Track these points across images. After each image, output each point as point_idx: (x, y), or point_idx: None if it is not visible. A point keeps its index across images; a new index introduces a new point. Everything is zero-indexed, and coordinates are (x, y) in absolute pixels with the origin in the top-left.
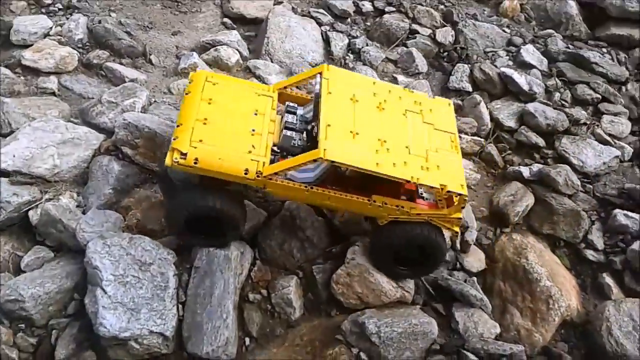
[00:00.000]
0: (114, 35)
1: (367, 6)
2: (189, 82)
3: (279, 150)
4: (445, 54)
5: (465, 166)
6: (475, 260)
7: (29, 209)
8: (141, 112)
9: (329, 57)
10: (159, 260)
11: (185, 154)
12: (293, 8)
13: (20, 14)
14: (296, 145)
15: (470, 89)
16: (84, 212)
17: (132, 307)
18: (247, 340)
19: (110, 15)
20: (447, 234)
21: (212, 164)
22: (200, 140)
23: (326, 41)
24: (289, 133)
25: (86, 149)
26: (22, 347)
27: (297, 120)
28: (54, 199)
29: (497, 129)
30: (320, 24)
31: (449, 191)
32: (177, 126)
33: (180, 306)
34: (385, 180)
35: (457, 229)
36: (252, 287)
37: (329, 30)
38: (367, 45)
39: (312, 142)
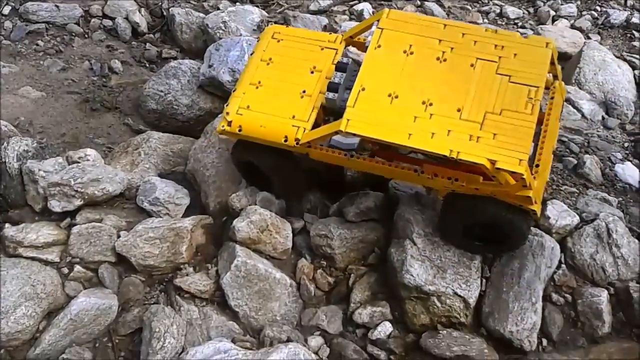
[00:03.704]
0: None
1: None
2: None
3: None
4: None
5: None
6: None
7: None
8: None
9: None
10: None
11: (231, 122)
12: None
13: None
14: (344, 107)
15: None
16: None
17: (439, 265)
18: (545, 341)
19: None
20: None
21: (255, 131)
22: (248, 107)
23: (639, 85)
24: (330, 95)
25: None
26: (320, 284)
27: (346, 78)
28: None
29: None
30: (634, 68)
31: (498, 168)
32: (233, 91)
33: (483, 281)
34: None
35: (536, 207)
36: (555, 289)
37: None
38: None
39: None
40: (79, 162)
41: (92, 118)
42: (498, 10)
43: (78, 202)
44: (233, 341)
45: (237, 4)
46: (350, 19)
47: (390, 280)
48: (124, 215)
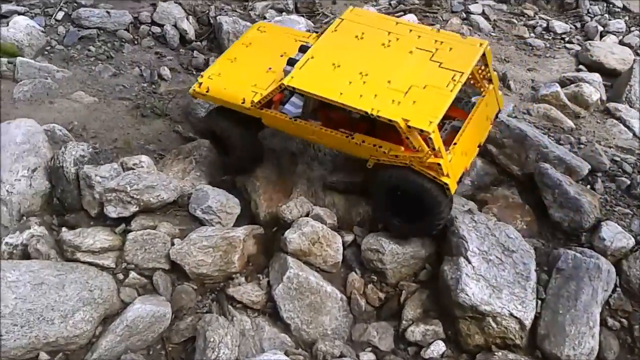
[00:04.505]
0: None
1: None
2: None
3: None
4: None
5: None
6: None
7: None
8: None
9: None
10: (522, 250)
11: (201, 84)
12: None
13: None
14: None
15: None
16: None
17: (494, 285)
18: None
19: None
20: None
21: (219, 92)
22: (219, 74)
23: None
24: (287, 68)
25: None
26: (370, 299)
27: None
28: None
29: None
30: None
31: (409, 126)
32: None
33: (538, 302)
34: (390, 126)
35: (445, 179)
36: (610, 313)
37: None
38: None
39: None
40: (133, 169)
41: (142, 124)
42: (544, 25)
43: (133, 209)
44: (286, 354)
45: (284, 13)
46: None
47: (443, 298)
48: (177, 223)
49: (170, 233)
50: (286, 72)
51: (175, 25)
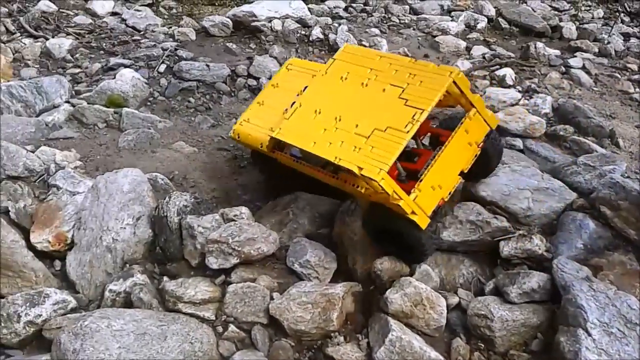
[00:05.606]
0: (583, 114)
1: None
2: None
3: None
4: None
5: None
6: None
7: (502, 239)
8: None
9: None
10: None
11: (234, 130)
12: None
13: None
14: None
15: None
16: (551, 259)
17: None
18: None
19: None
20: None
21: (245, 138)
22: (248, 120)
23: None
24: None
25: (559, 201)
26: None
27: None
28: (527, 236)
29: None
30: None
31: (362, 174)
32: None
33: None
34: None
35: (411, 216)
36: None
37: None
38: None
39: None
40: (234, 220)
41: (240, 175)
42: None
43: (234, 261)
44: None
45: None
46: (491, 84)
47: None
48: (275, 276)
49: (269, 286)
50: None
51: (269, 79)
